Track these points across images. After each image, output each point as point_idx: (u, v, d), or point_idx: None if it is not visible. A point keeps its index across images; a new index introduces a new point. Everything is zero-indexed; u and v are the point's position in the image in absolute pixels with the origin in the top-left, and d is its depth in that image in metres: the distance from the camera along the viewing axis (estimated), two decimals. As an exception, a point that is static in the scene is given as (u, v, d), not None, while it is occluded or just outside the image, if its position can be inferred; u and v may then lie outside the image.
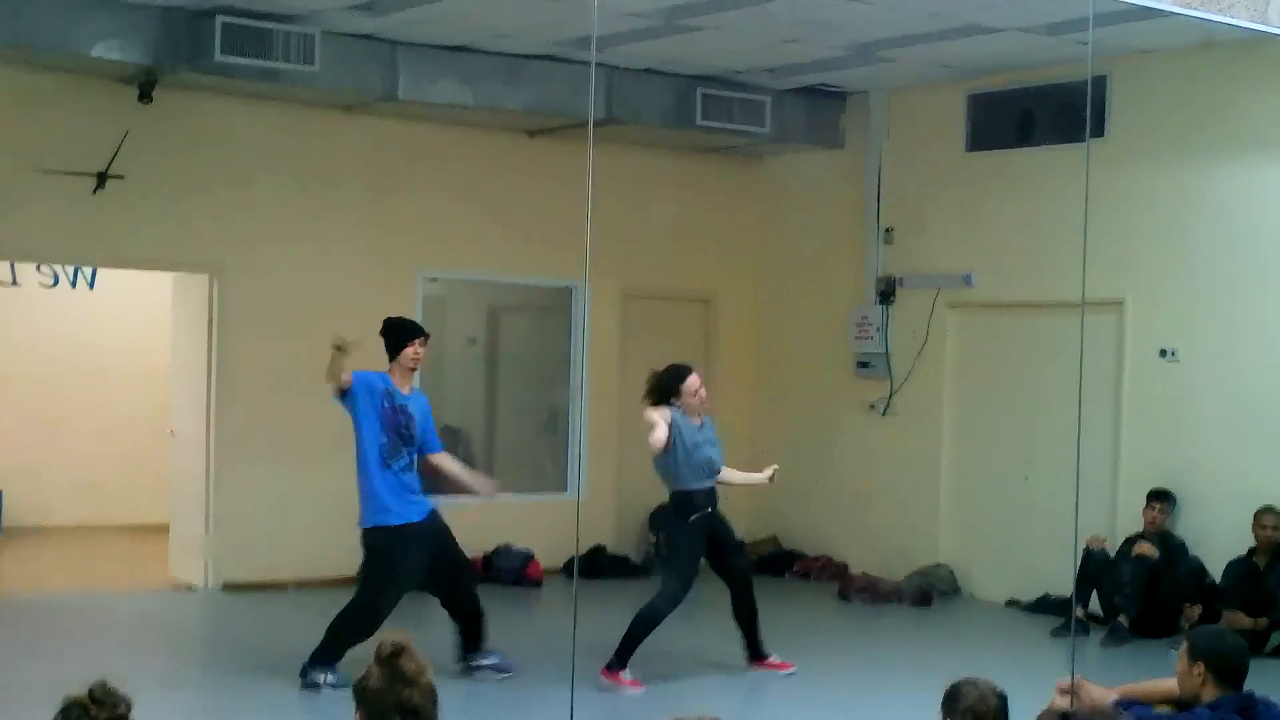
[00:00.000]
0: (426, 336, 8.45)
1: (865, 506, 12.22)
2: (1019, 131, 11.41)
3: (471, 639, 8.42)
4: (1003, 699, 4.14)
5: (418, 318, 11.60)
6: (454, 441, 12.89)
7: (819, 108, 12.30)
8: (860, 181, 12.39)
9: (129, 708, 3.47)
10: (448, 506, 11.65)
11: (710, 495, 8.63)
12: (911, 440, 11.86)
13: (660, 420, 8.41)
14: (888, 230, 12.21)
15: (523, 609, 11.12)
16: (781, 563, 12.58)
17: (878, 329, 12.18)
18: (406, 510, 8.20)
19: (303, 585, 10.98)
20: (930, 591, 11.36)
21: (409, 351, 8.26)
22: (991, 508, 11.51)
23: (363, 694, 3.52)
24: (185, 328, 11.32)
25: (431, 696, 3.48)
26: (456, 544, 8.47)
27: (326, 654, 8.04)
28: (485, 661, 8.38)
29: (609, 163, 12.20)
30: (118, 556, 12.39)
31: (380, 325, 8.46)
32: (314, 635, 9.35)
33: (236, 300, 10.94)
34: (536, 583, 11.79)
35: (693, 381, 8.66)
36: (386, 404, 8.15)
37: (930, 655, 9.37)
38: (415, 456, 8.34)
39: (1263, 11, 7.13)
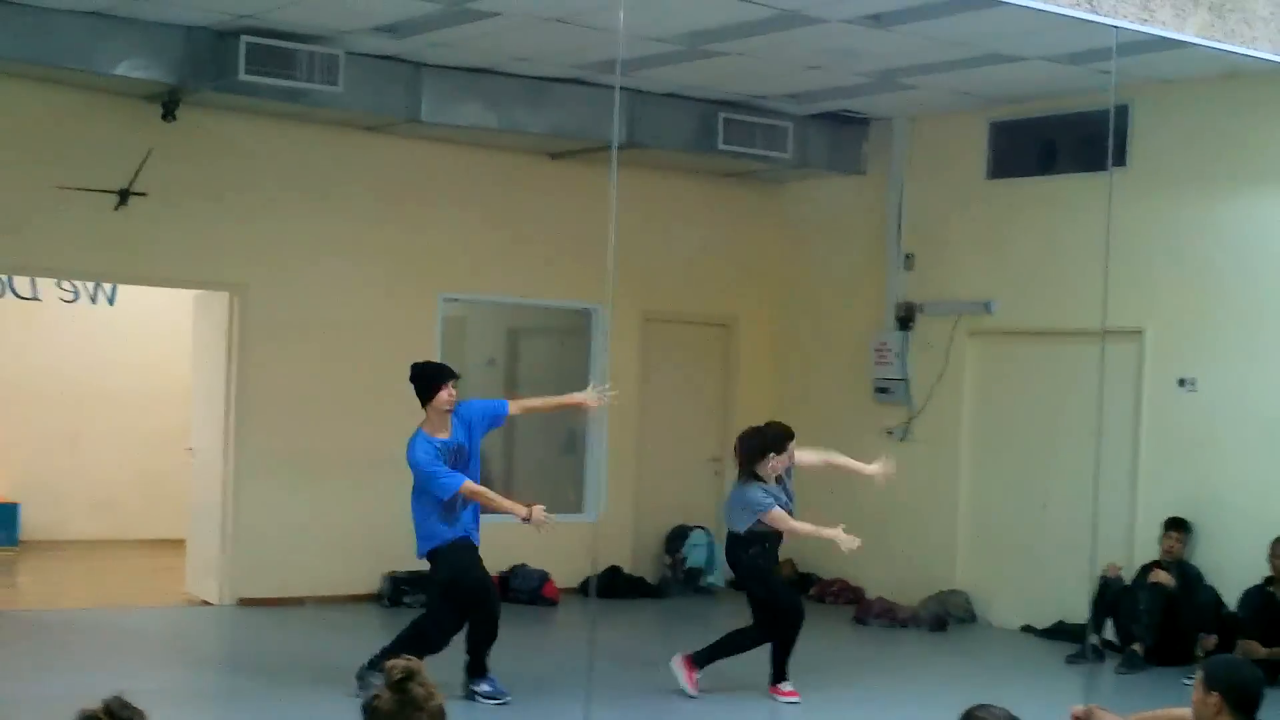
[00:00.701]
0: (457, 377, 8.35)
1: (883, 531, 12.13)
2: (1040, 160, 11.41)
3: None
4: (1016, 725, 4.12)
5: (437, 339, 11.70)
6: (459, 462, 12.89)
7: (841, 134, 12.32)
8: (881, 208, 12.40)
9: None
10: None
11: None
12: (930, 466, 11.83)
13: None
14: (908, 256, 12.21)
15: (539, 629, 11.12)
16: (798, 586, 12.52)
17: (897, 355, 12.17)
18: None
19: (321, 601, 11.00)
20: (946, 617, 11.33)
21: (443, 395, 8.16)
22: (1009, 534, 11.48)
23: (373, 715, 3.53)
24: (206, 345, 11.37)
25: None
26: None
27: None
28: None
29: (630, 186, 12.17)
30: (134, 571, 12.44)
31: (410, 368, 8.37)
32: (329, 651, 9.41)
33: (257, 318, 10.98)
34: (553, 603, 11.79)
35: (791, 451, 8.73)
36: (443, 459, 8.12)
37: (946, 681, 9.37)
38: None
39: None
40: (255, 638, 10.18)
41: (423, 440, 8.14)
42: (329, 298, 11.24)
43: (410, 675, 3.49)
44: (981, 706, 4.16)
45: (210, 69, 9.82)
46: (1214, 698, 4.71)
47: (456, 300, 11.98)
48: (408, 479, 11.35)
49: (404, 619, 10.73)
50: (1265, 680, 4.86)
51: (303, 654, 9.49)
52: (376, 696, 3.52)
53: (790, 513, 8.77)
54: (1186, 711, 4.88)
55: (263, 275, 11.00)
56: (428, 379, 8.22)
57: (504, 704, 8.16)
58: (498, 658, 9.48)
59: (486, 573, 8.32)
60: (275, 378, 11.01)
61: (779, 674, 8.75)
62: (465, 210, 11.86)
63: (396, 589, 11.15)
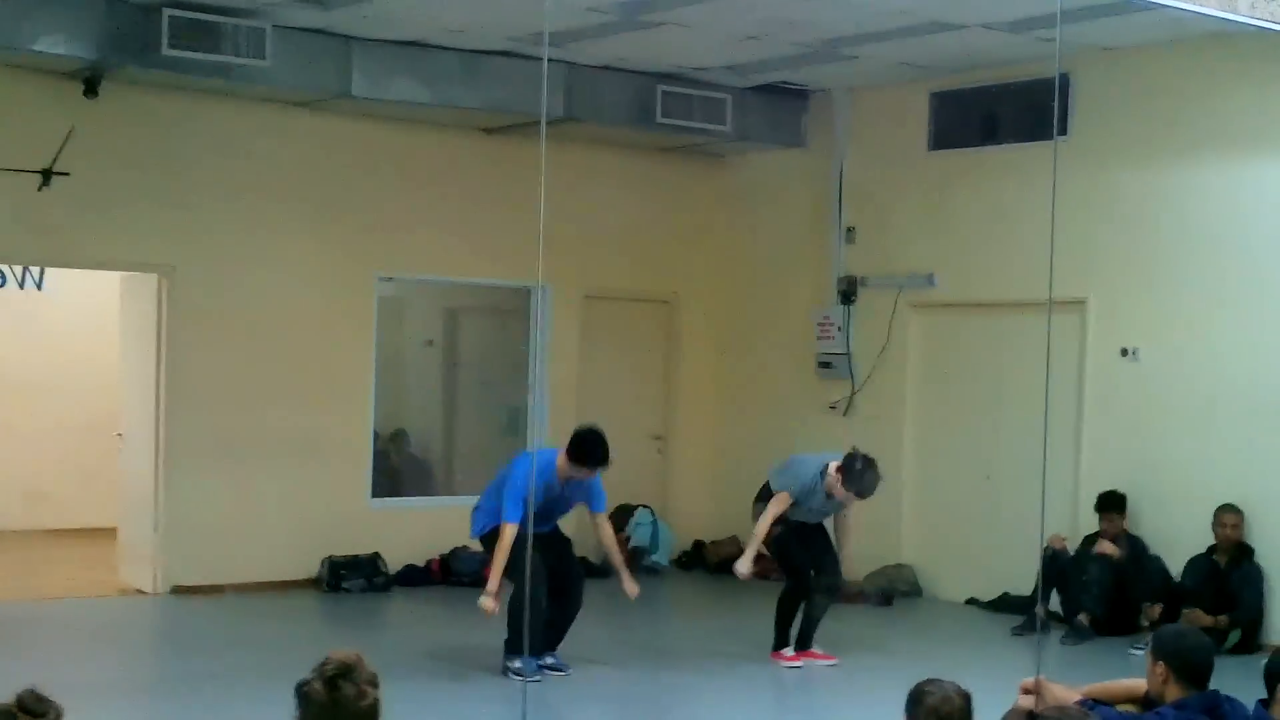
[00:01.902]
0: (607, 467, 8.47)
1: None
2: (982, 130, 11.33)
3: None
4: (967, 699, 4.03)
5: (373, 319, 11.50)
6: (401, 444, 12.77)
7: (781, 106, 12.19)
8: (823, 181, 12.29)
9: (59, 716, 3.38)
10: (402, 508, 11.67)
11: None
12: (873, 440, 11.56)
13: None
14: (850, 230, 12.11)
15: (479, 611, 10.93)
16: (743, 565, 12.44)
17: (840, 329, 12.08)
18: None
19: (258, 588, 10.78)
20: (892, 592, 11.26)
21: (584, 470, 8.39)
22: (953, 508, 11.43)
23: (305, 700, 3.42)
24: (134, 329, 11.10)
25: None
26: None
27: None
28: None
29: (568, 161, 12.05)
30: (66, 562, 12.15)
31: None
32: (267, 638, 9.23)
33: (187, 301, 10.72)
34: (496, 585, 11.62)
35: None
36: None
37: (892, 655, 9.33)
38: None
39: (1232, 1, 7.03)
40: (190, 626, 9.96)
41: (544, 469, 8.24)
42: (260, 279, 11.00)
43: (344, 673, 3.39)
44: (931, 681, 4.08)
45: (133, 44, 9.55)
46: (1161, 667, 4.63)
47: (392, 280, 11.74)
48: (344, 461, 11.30)
49: (344, 605, 10.65)
50: (1214, 649, 4.76)
51: (239, 642, 9.29)
52: (309, 683, 3.44)
53: (811, 524, 9.06)
54: (1135, 682, 4.80)
55: (191, 256, 10.73)
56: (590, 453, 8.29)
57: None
58: (438, 641, 9.38)
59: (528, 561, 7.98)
60: (206, 361, 10.76)
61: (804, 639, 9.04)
62: (400, 188, 11.63)
63: (336, 574, 10.95)
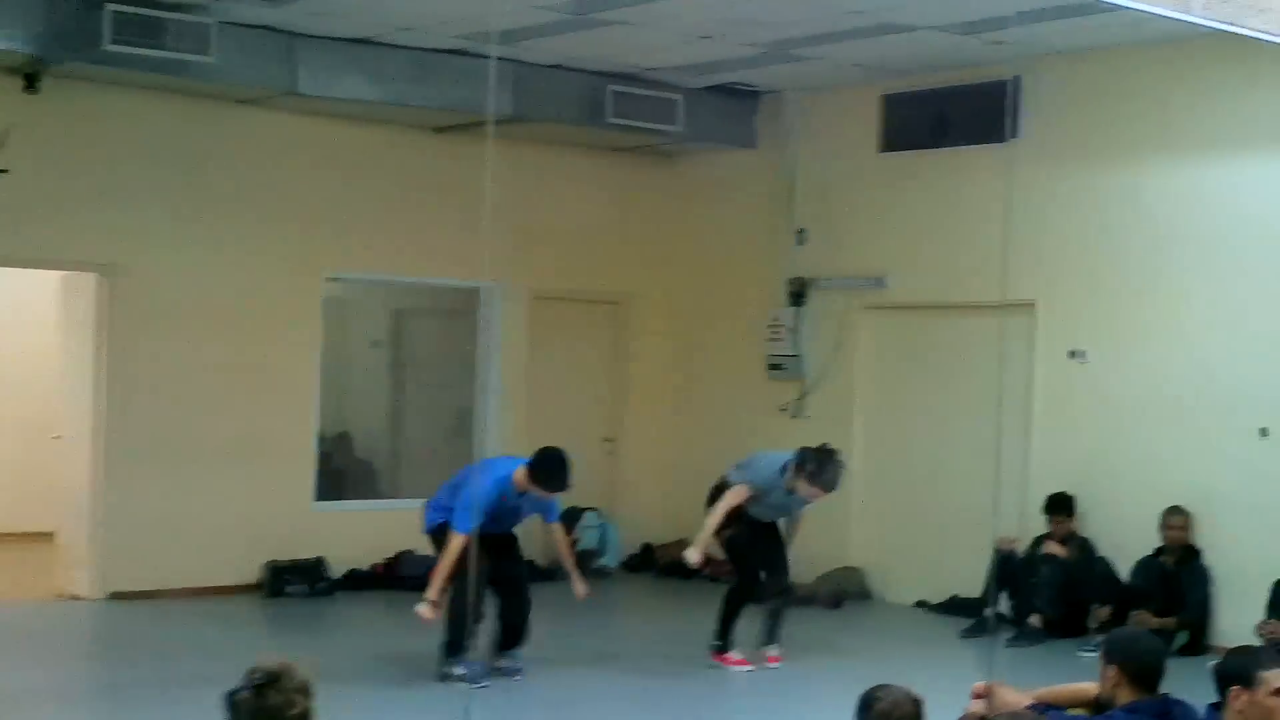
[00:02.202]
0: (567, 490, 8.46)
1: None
2: (933, 132, 11.30)
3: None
4: (918, 705, 3.96)
5: (318, 319, 11.35)
6: (346, 447, 12.64)
7: (732, 107, 12.13)
8: (774, 182, 12.24)
9: None
10: (347, 511, 11.51)
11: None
12: (823, 442, 11.65)
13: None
14: (801, 231, 12.06)
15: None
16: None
17: (790, 331, 12.03)
18: None
19: (199, 593, 10.61)
20: (841, 594, 11.21)
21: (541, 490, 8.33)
22: (903, 510, 11.41)
23: (234, 709, 3.36)
24: (73, 329, 10.88)
25: None
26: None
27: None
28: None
29: (517, 161, 11.97)
30: (2, 565, 11.91)
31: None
32: (208, 644, 9.07)
33: (127, 300, 10.53)
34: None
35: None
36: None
37: (842, 659, 9.28)
38: None
39: (1185, 2, 7.02)
40: (128, 633, 9.76)
41: (501, 480, 8.17)
42: (203, 278, 10.82)
43: (271, 680, 3.32)
44: (881, 687, 4.00)
45: (75, 38, 9.36)
46: (1113, 670, 4.59)
47: (339, 280, 11.56)
48: (287, 464, 11.15)
49: (287, 610, 10.49)
50: (1165, 652, 4.72)
51: (177, 648, 9.12)
52: (238, 691, 3.38)
53: (769, 524, 9.06)
54: (1090, 685, 4.74)
55: (133, 255, 10.53)
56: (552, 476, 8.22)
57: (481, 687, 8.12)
58: (381, 646, 9.26)
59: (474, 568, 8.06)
60: (147, 362, 10.57)
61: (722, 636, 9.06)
62: (348, 187, 11.47)
63: (278, 578, 10.79)
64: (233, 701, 3.37)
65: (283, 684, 3.30)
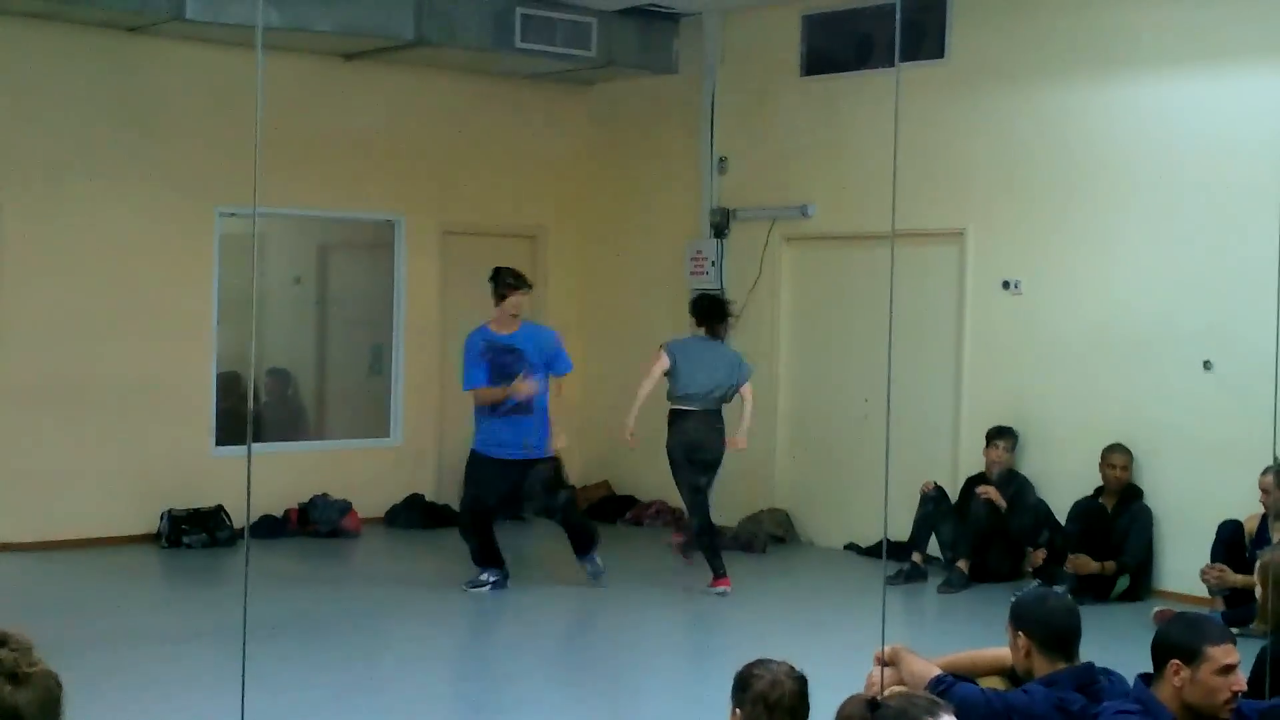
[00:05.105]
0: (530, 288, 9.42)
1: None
2: (857, 54, 10.83)
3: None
4: (801, 683, 3.54)
5: (214, 256, 10.82)
6: (283, 383, 12.18)
7: (650, 30, 11.62)
8: (694, 109, 11.74)
9: None
10: (261, 455, 10.99)
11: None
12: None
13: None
14: (722, 160, 11.60)
15: (337, 561, 10.42)
16: (614, 508, 12.01)
17: (713, 263, 11.58)
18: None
19: (92, 544, 10.12)
20: (766, 537, 10.83)
21: (510, 300, 9.16)
22: (830, 448, 11.00)
23: None
24: (-46, 270, 10.31)
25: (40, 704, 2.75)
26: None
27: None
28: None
29: (422, 89, 11.54)
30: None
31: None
32: (103, 597, 8.64)
33: (11, 236, 9.96)
34: (355, 534, 11.08)
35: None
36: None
37: (765, 604, 8.98)
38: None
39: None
40: (15, 587, 9.17)
41: (476, 331, 9.15)
42: (90, 213, 10.25)
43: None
44: (759, 663, 3.59)
45: (-54, -38, 8.77)
46: (1021, 638, 4.14)
47: (234, 215, 10.94)
48: (184, 409, 10.62)
49: (186, 560, 10.01)
50: (1077, 614, 4.23)
51: (69, 603, 8.65)
52: None
53: (698, 462, 9.24)
54: (1003, 651, 4.32)
55: (15, 192, 9.95)
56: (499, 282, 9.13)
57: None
58: (290, 594, 8.86)
59: (480, 494, 9.03)
60: (32, 303, 10.02)
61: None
62: (245, 118, 10.85)
63: (176, 528, 10.29)
64: None
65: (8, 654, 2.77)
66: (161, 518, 10.38)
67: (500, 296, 9.10)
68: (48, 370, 10.08)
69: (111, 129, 10.36)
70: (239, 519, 10.53)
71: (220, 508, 10.50)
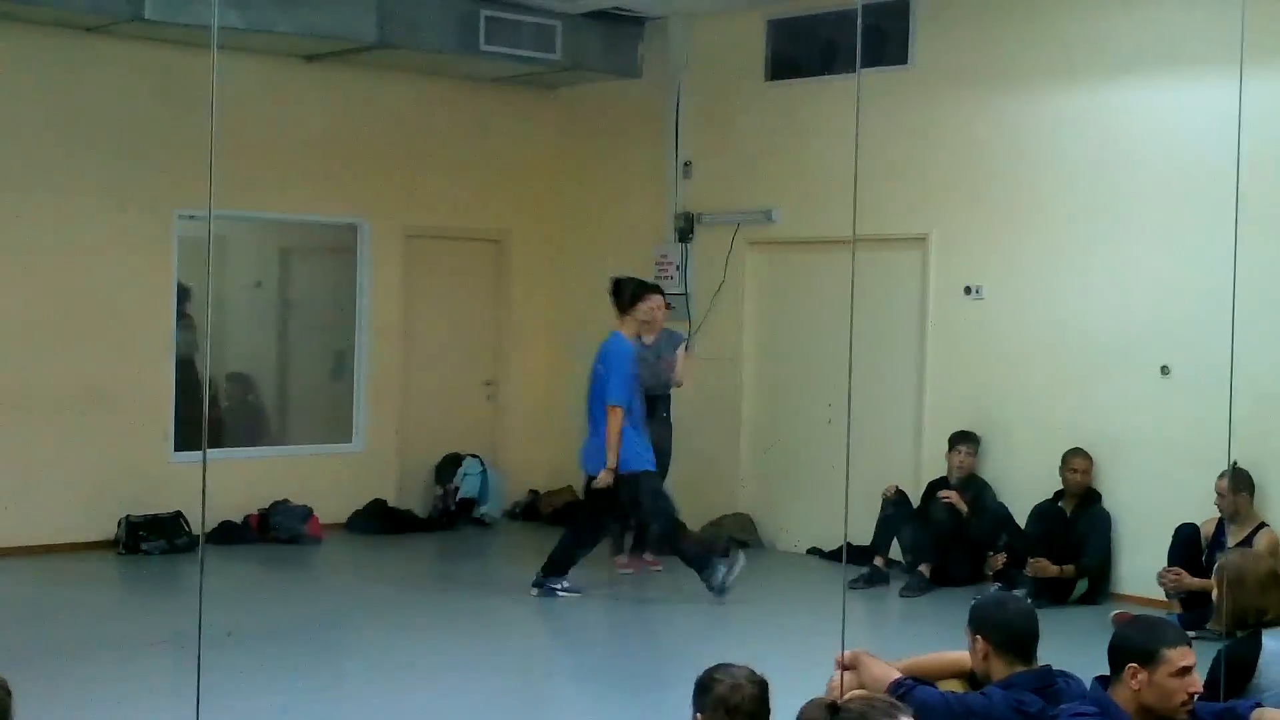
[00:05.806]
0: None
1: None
2: (822, 60, 10.83)
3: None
4: (761, 687, 3.52)
5: (173, 259, 10.74)
6: (244, 388, 12.09)
7: (615, 34, 11.59)
8: (659, 113, 11.72)
9: None
10: (213, 461, 10.90)
11: None
12: (711, 383, 11.25)
13: None
14: (687, 164, 11.59)
15: (298, 568, 10.34)
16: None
17: (678, 268, 11.56)
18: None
19: (48, 550, 10.03)
20: (729, 541, 10.79)
21: (642, 306, 9.30)
22: (793, 453, 10.99)
23: None
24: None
25: None
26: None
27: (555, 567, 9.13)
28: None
29: (385, 91, 11.50)
30: None
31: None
32: (59, 606, 8.58)
33: (-38, 241, 9.88)
34: (316, 540, 10.99)
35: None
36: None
37: (727, 606, 8.92)
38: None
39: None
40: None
41: (610, 344, 9.14)
42: (45, 215, 10.15)
43: None
44: (720, 667, 3.57)
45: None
46: (980, 641, 4.14)
47: (194, 218, 10.84)
48: (142, 413, 10.52)
49: (144, 567, 9.92)
50: (1034, 617, 4.25)
51: (25, 611, 8.57)
52: None
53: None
54: (962, 654, 4.31)
55: (-33, 192, 9.87)
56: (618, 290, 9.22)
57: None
58: (249, 601, 8.79)
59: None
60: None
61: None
62: (206, 120, 10.77)
63: (134, 534, 10.19)
64: None
65: None
66: (119, 524, 10.28)
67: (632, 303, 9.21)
68: (3, 376, 9.98)
69: (68, 130, 10.28)
70: (198, 525, 10.43)
71: (179, 514, 10.39)
